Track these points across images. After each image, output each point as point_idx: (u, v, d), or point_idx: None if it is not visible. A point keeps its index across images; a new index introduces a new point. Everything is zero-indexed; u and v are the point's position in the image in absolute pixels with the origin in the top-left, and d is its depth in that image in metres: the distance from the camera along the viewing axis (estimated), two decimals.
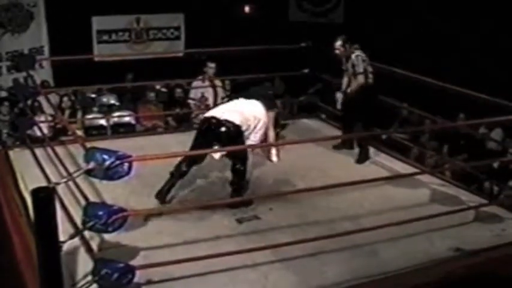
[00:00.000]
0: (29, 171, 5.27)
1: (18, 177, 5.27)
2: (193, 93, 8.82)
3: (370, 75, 5.98)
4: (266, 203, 4.78)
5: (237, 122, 4.85)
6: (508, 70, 9.47)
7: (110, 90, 9.68)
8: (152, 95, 9.29)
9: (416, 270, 4.02)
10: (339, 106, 6.30)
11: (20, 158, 5.71)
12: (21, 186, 5.04)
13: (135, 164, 3.36)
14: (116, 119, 8.87)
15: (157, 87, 9.59)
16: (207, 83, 8.36)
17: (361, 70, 5.91)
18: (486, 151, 8.05)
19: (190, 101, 8.83)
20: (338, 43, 6.04)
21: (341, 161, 5.99)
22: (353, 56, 5.97)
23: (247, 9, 12.48)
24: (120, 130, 8.60)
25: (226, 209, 4.71)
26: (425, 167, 7.09)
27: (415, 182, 5.34)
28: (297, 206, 4.79)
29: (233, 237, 4.31)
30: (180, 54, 11.23)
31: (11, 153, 5.88)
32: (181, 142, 5.31)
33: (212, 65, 8.20)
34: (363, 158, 5.98)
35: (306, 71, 7.40)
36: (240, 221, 4.60)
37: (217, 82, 8.41)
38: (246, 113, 4.98)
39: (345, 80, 6.19)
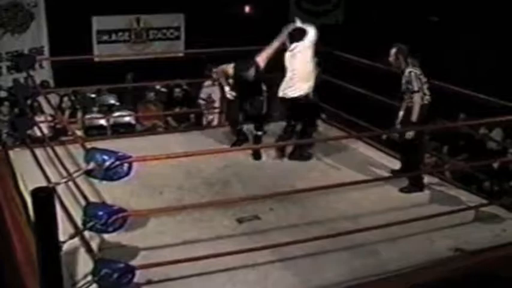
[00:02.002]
0: (29, 171, 5.26)
1: (18, 177, 5.26)
2: (203, 93, 9.09)
3: (427, 95, 5.33)
4: (266, 203, 4.79)
5: (305, 91, 5.86)
6: (508, 70, 9.48)
7: (109, 90, 9.68)
8: (152, 95, 9.28)
9: (417, 270, 4.02)
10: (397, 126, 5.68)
11: (20, 158, 5.70)
12: (21, 186, 5.03)
13: (135, 165, 3.36)
14: (116, 119, 8.87)
15: (157, 87, 9.58)
16: (216, 86, 8.38)
17: (416, 88, 5.24)
18: (486, 151, 8.05)
19: (200, 101, 9.08)
20: (392, 51, 5.44)
21: (341, 161, 5.98)
22: (406, 71, 5.32)
23: (247, 9, 12.47)
24: (120, 130, 8.60)
25: (226, 209, 4.71)
26: (425, 167, 7.07)
27: None
28: (297, 206, 4.80)
29: (233, 237, 4.32)
30: (180, 54, 11.23)
31: (11, 153, 5.88)
32: (181, 142, 5.30)
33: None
34: (410, 187, 5.32)
35: None
36: (240, 221, 4.60)
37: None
38: (308, 58, 5.91)
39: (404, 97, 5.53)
